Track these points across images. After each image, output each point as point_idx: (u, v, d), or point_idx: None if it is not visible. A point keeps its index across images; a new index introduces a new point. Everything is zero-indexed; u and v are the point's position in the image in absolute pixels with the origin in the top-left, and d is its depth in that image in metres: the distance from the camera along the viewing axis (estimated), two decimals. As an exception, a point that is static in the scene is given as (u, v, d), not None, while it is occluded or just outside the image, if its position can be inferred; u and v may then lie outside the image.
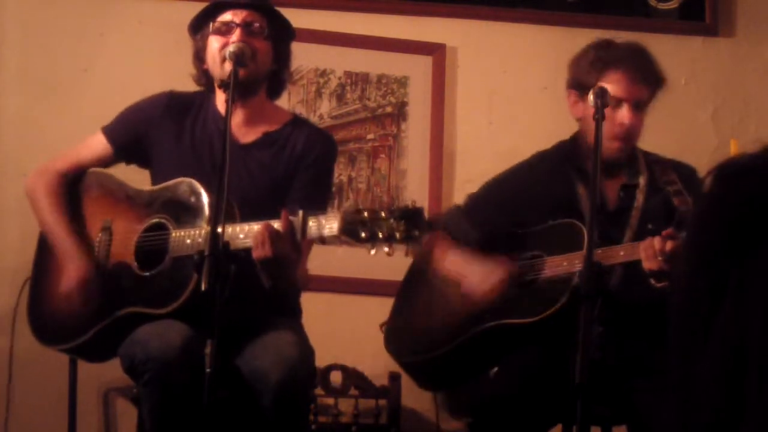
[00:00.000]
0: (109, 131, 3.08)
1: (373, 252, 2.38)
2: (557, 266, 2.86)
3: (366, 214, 2.38)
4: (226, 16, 2.94)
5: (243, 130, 3.00)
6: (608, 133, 2.91)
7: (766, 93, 4.08)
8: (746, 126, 4.06)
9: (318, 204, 2.77)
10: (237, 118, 2.98)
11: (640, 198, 3.00)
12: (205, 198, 2.79)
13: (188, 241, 2.76)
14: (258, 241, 2.60)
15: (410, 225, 2.35)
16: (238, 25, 2.91)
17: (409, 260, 3.38)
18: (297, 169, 2.96)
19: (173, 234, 2.81)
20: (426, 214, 2.40)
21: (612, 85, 2.91)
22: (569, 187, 3.02)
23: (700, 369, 1.09)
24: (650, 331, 2.78)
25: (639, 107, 2.96)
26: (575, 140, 3.09)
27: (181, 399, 2.61)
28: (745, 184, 1.13)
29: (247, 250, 2.62)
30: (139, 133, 3.05)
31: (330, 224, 2.48)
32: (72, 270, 2.92)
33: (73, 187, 3.08)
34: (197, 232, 2.75)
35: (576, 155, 3.05)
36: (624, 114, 2.93)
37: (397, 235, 2.35)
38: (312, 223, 2.53)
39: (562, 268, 2.84)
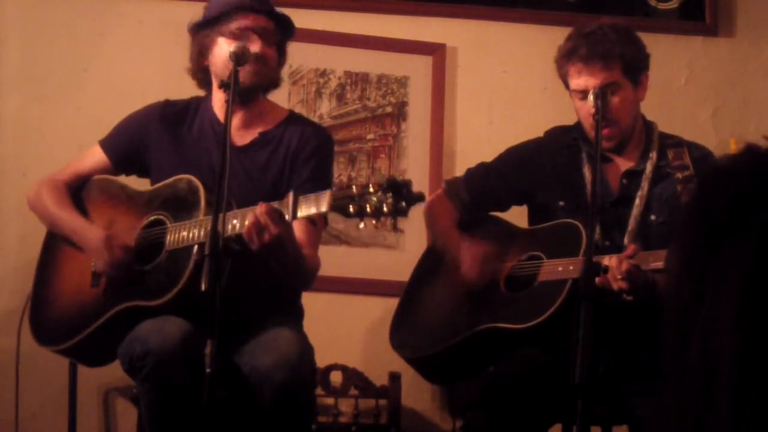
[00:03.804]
0: (106, 144, 3.10)
1: (361, 226, 2.38)
2: (552, 271, 2.85)
3: (354, 189, 2.38)
4: (244, 22, 2.92)
5: (240, 133, 2.99)
6: (589, 125, 2.92)
7: (766, 93, 4.08)
8: (746, 126, 4.05)
9: None
10: (235, 121, 2.97)
11: (645, 186, 2.92)
12: (202, 193, 2.80)
13: (184, 233, 2.76)
14: (251, 234, 2.59)
15: (398, 197, 2.34)
16: (256, 32, 2.91)
17: (408, 260, 3.39)
18: (294, 165, 2.96)
19: (170, 228, 2.82)
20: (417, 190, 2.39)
21: (573, 79, 2.93)
22: (576, 168, 3.00)
23: (685, 373, 1.09)
24: (642, 336, 2.77)
25: (611, 91, 2.87)
26: None
27: (179, 395, 2.62)
28: (723, 187, 1.13)
29: (244, 245, 2.62)
30: (135, 143, 3.06)
31: (320, 201, 2.48)
32: (92, 240, 2.91)
33: (75, 196, 3.08)
34: (193, 223, 2.76)
35: (587, 137, 3.01)
36: (591, 104, 2.83)
37: (385, 207, 2.34)
38: (303, 203, 2.53)
39: (557, 273, 2.82)
